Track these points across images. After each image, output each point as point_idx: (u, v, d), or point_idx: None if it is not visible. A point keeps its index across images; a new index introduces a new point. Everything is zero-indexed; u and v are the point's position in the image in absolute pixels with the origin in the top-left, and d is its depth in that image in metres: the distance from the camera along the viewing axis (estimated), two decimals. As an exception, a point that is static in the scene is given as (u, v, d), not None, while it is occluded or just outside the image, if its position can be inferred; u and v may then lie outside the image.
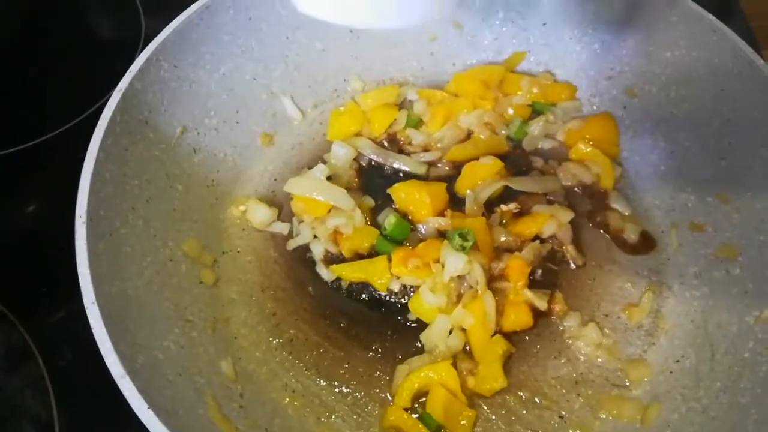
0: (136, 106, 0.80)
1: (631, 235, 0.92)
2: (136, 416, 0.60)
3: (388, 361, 0.83)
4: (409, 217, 0.92)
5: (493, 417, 0.80)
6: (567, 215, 0.91)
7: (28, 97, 1.12)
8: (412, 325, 0.86)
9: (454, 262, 0.82)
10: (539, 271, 0.89)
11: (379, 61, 1.07)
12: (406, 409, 0.79)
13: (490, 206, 0.93)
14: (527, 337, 0.85)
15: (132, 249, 0.76)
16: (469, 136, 1.02)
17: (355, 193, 0.94)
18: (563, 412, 0.80)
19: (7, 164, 1.00)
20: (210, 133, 0.93)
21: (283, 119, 1.03)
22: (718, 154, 0.87)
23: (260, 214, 0.93)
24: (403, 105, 1.05)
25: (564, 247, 0.91)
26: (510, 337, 0.84)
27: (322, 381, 0.82)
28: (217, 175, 0.94)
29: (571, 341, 0.85)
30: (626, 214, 0.94)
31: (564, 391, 0.82)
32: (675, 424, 0.76)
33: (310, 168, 0.95)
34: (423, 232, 0.90)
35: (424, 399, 0.79)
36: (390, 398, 0.81)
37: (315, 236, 0.92)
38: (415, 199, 0.91)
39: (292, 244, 0.93)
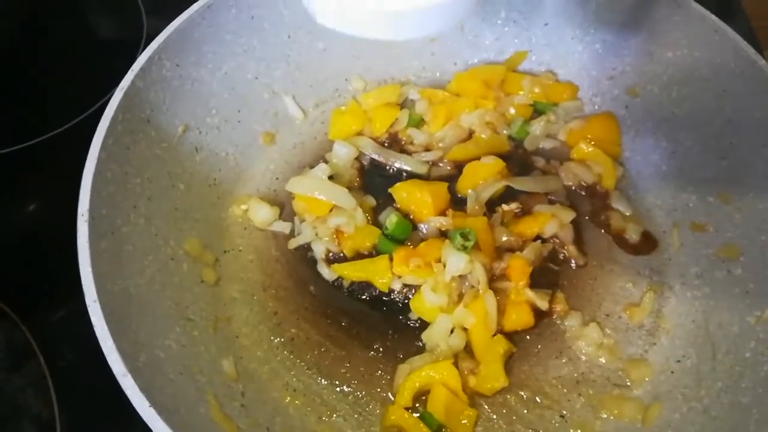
0: (138, 105, 0.80)
1: (633, 235, 0.92)
2: (137, 415, 0.60)
3: (389, 361, 0.83)
4: (411, 217, 0.92)
5: (494, 416, 0.80)
6: (568, 215, 0.91)
7: (28, 96, 1.12)
8: (414, 324, 0.86)
9: (456, 261, 0.82)
10: (540, 271, 0.89)
11: (381, 60, 1.07)
12: (407, 409, 0.79)
13: (491, 206, 0.93)
14: (528, 337, 0.85)
15: (133, 247, 0.76)
16: (470, 135, 1.02)
17: (357, 192, 0.94)
18: (564, 412, 0.80)
19: (8, 163, 1.00)
20: (212, 132, 0.93)
21: (285, 118, 1.03)
22: (719, 154, 0.87)
23: (262, 213, 0.93)
24: (404, 104, 1.05)
25: (565, 247, 0.91)
26: (511, 336, 0.84)
27: (323, 380, 0.82)
28: (219, 174, 0.94)
29: (572, 341, 0.85)
30: (628, 214, 0.94)
31: (565, 390, 0.82)
32: (676, 424, 0.76)
33: (311, 167, 0.95)
34: (424, 231, 0.90)
35: (425, 398, 0.79)
36: (391, 397, 0.81)
37: (316, 235, 0.92)
38: (417, 199, 0.91)
39: (293, 243, 0.93)
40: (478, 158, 0.96)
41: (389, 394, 0.81)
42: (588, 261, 0.91)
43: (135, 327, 0.69)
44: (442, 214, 0.91)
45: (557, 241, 0.91)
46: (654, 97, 0.95)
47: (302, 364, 0.83)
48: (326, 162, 0.97)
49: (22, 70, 1.16)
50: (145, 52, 0.81)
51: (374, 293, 0.88)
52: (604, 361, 0.84)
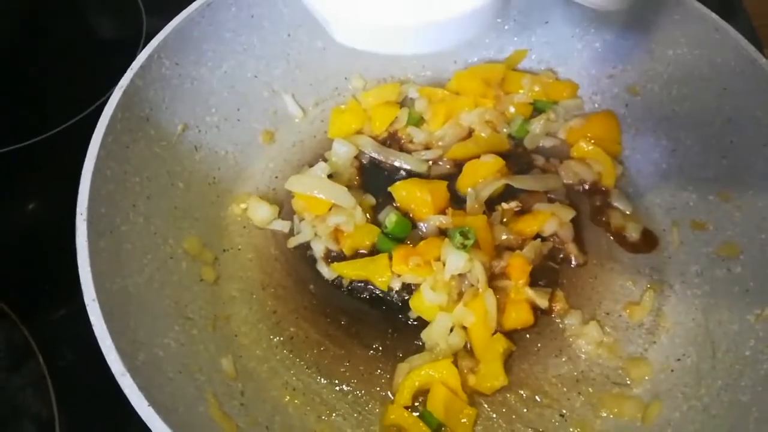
0: (138, 104, 0.80)
1: (633, 234, 0.92)
2: (136, 415, 0.60)
3: (388, 360, 0.83)
4: (410, 215, 0.92)
5: (494, 415, 0.80)
6: (568, 213, 0.91)
7: (28, 95, 1.12)
8: (413, 323, 0.86)
9: (455, 260, 0.82)
10: (540, 270, 0.89)
11: (381, 59, 1.06)
12: (406, 408, 0.79)
13: (491, 204, 0.92)
14: (528, 336, 0.85)
15: (133, 246, 0.76)
16: (470, 134, 1.01)
17: (356, 191, 0.94)
18: (564, 411, 0.80)
19: (7, 162, 1.00)
20: (211, 130, 0.93)
21: (285, 117, 1.03)
22: (719, 153, 0.86)
23: (261, 212, 0.93)
24: (404, 103, 1.05)
25: (565, 246, 0.91)
26: (511, 335, 0.84)
27: (322, 379, 0.82)
28: (218, 172, 0.94)
29: (572, 339, 0.85)
30: (627, 212, 0.94)
31: (565, 389, 0.82)
32: (676, 423, 0.76)
33: (311, 166, 0.95)
34: (424, 230, 0.90)
35: (424, 397, 0.79)
36: (391, 396, 0.81)
37: (316, 234, 0.92)
38: (416, 197, 0.91)
39: (292, 242, 0.92)
40: (478, 157, 0.96)
41: (389, 393, 0.81)
42: (588, 259, 0.91)
43: (134, 326, 0.69)
44: (442, 212, 0.90)
45: (557, 239, 0.91)
46: (654, 96, 0.95)
47: (301, 362, 0.83)
48: (326, 160, 0.97)
49: (22, 69, 1.16)
50: (144, 50, 0.81)
51: (374, 292, 0.88)
52: (603, 360, 0.83)
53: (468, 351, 0.83)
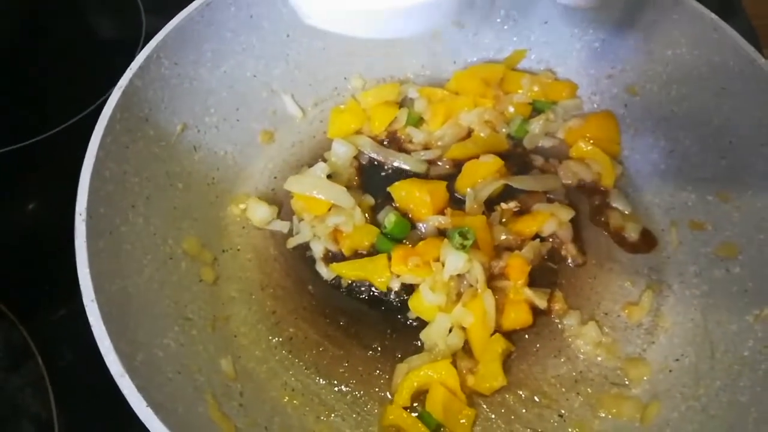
0: (137, 104, 0.80)
1: (632, 234, 0.92)
2: (135, 416, 0.60)
3: (387, 360, 0.83)
4: (410, 216, 0.92)
5: (493, 416, 0.80)
6: (567, 214, 0.91)
7: (28, 95, 1.12)
8: (412, 323, 0.86)
9: (454, 260, 0.82)
10: (539, 270, 0.89)
11: (380, 59, 1.07)
12: (405, 408, 0.79)
13: (490, 205, 0.92)
14: (527, 336, 0.85)
15: (132, 247, 0.76)
16: (469, 134, 1.01)
17: (355, 191, 0.94)
18: (563, 411, 0.80)
19: (6, 162, 1.00)
20: (210, 130, 0.93)
21: (284, 117, 1.03)
22: (718, 153, 0.87)
23: (260, 213, 0.93)
24: (403, 103, 1.05)
25: (564, 246, 0.91)
26: (510, 335, 0.84)
27: (321, 380, 0.82)
28: (218, 173, 0.94)
29: (570, 340, 0.85)
30: (626, 212, 0.94)
31: (563, 389, 0.82)
32: (674, 423, 0.76)
33: (310, 166, 0.95)
34: (423, 230, 0.90)
35: (423, 398, 0.79)
36: (389, 397, 0.81)
37: (315, 234, 0.92)
38: (416, 198, 0.91)
39: (292, 243, 0.93)
40: (477, 157, 0.96)
41: (387, 393, 0.81)
42: (587, 260, 0.91)
43: (133, 326, 0.69)
44: (441, 212, 0.91)
45: (556, 239, 0.91)
46: (653, 96, 0.95)
47: (300, 363, 0.83)
48: (325, 161, 0.97)
49: (22, 69, 1.16)
50: (143, 50, 0.81)
51: (373, 292, 0.88)
52: (602, 360, 0.83)
53: (467, 351, 0.83)
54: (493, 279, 0.85)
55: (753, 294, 0.79)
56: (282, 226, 0.94)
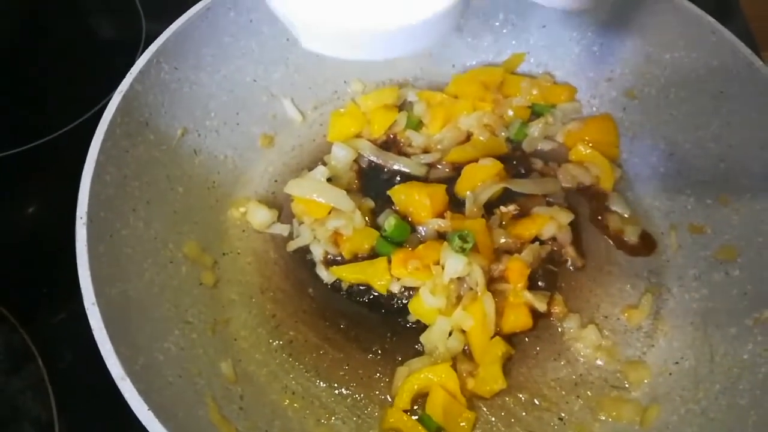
0: (137, 108, 0.81)
1: (631, 237, 0.92)
2: (136, 418, 0.60)
3: (387, 363, 0.83)
4: (409, 219, 0.92)
5: (493, 419, 0.80)
6: (567, 217, 0.91)
7: (28, 98, 1.12)
8: (412, 326, 0.86)
9: (454, 263, 0.82)
10: (539, 273, 0.89)
11: (379, 63, 1.06)
12: (405, 411, 0.79)
13: (489, 208, 0.93)
14: (527, 339, 0.85)
15: (132, 250, 0.76)
16: (468, 137, 1.02)
17: (355, 194, 0.94)
18: (563, 414, 0.80)
19: (7, 166, 1.00)
20: (210, 134, 0.93)
21: (284, 121, 1.03)
22: (717, 156, 0.87)
23: (260, 216, 0.93)
24: (403, 107, 1.05)
25: (564, 249, 0.91)
26: (509, 338, 0.84)
27: (321, 383, 0.82)
28: (218, 176, 0.94)
29: (570, 343, 0.85)
30: (626, 215, 0.94)
31: (563, 392, 0.82)
32: (674, 426, 0.76)
33: (310, 169, 0.96)
34: (423, 233, 0.91)
35: (423, 401, 0.79)
36: (390, 400, 0.81)
37: (315, 238, 0.92)
38: (415, 201, 0.91)
39: (292, 246, 0.93)
40: (477, 160, 0.96)
41: (388, 396, 0.81)
42: (586, 263, 0.91)
43: (134, 330, 0.69)
44: (441, 216, 0.91)
45: (555, 242, 0.91)
46: (652, 99, 0.95)
47: (301, 366, 0.83)
48: (325, 164, 0.97)
49: (22, 70, 1.16)
50: (143, 55, 0.81)
51: (373, 295, 0.89)
52: (602, 363, 0.84)
53: (467, 354, 0.83)
54: (492, 282, 0.86)
55: (752, 297, 0.79)
56: (282, 230, 0.94)
